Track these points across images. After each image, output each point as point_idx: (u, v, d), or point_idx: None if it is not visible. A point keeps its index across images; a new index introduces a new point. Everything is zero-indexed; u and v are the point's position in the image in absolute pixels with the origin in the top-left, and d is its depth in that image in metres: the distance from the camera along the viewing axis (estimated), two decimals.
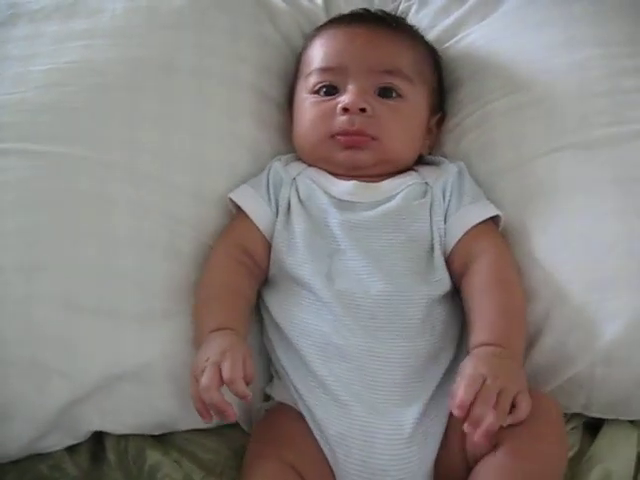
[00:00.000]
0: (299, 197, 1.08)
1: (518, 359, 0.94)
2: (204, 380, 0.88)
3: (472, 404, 0.83)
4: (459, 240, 1.03)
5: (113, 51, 1.14)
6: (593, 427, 1.04)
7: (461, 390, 0.84)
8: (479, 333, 0.94)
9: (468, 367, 0.88)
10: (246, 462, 0.95)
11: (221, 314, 0.98)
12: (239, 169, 1.14)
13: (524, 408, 0.86)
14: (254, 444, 0.98)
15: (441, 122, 1.21)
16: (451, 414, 0.89)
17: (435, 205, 1.05)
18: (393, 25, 1.17)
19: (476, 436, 0.83)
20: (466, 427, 0.83)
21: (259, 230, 1.07)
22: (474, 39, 1.25)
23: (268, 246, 1.07)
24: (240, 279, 1.04)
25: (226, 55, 1.20)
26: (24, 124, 1.06)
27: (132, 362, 0.98)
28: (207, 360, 0.90)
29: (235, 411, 0.89)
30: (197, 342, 0.97)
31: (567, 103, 1.10)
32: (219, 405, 0.87)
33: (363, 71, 1.10)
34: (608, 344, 0.95)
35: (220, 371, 0.88)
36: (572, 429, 1.04)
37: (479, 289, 0.99)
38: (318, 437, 0.95)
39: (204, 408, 0.89)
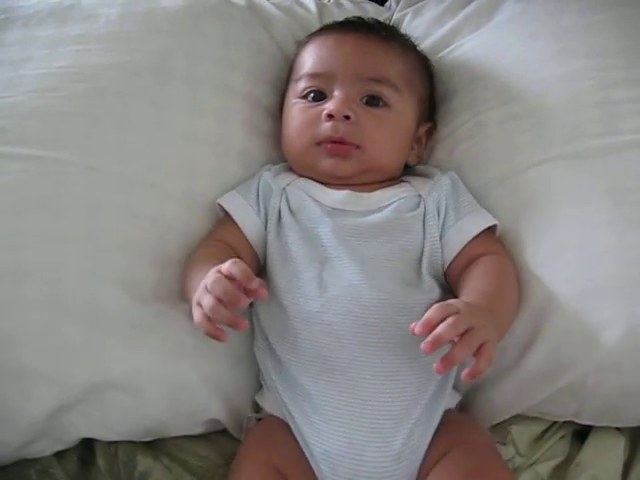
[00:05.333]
0: (289, 207, 1.08)
1: (498, 326, 0.92)
2: (212, 283, 0.86)
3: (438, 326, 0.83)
4: (459, 252, 1.04)
5: (106, 56, 1.14)
6: (581, 435, 1.05)
7: (430, 310, 0.84)
8: (467, 296, 0.94)
9: (448, 300, 0.88)
10: (234, 465, 0.95)
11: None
12: (230, 176, 1.14)
13: (486, 359, 0.83)
14: (244, 448, 0.97)
15: (431, 132, 1.21)
16: (437, 428, 0.93)
17: (428, 218, 1.05)
18: (383, 34, 1.18)
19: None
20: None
21: (246, 238, 1.08)
22: (467, 49, 1.25)
23: (253, 253, 1.08)
24: (226, 254, 1.01)
25: (219, 62, 1.20)
26: (15, 128, 1.06)
27: (120, 369, 0.97)
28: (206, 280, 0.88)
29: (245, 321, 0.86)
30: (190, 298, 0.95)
31: (559, 114, 1.11)
32: (233, 296, 0.85)
33: (350, 78, 1.10)
34: (600, 353, 0.95)
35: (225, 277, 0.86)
36: (561, 437, 1.04)
37: (475, 273, 0.99)
38: (305, 452, 0.94)
39: (214, 328, 0.86)
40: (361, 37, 1.15)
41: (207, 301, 0.86)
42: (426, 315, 0.84)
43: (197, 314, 0.88)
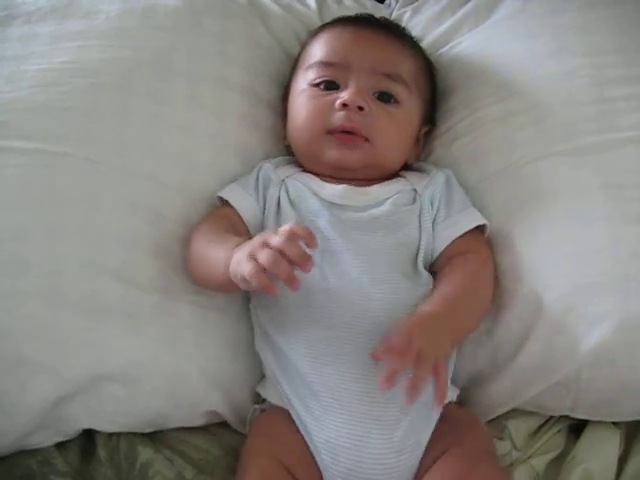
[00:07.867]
0: (289, 198, 1.09)
1: (456, 328, 0.95)
2: (278, 240, 0.84)
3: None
4: (446, 247, 1.05)
5: (106, 52, 1.15)
6: (577, 429, 1.06)
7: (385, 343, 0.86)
8: (429, 302, 0.95)
9: (403, 326, 0.88)
10: (241, 458, 0.96)
11: (232, 240, 0.96)
12: (228, 170, 1.15)
13: (444, 378, 0.86)
14: (250, 441, 0.98)
15: (429, 133, 1.22)
16: (438, 423, 0.94)
17: (424, 212, 1.07)
18: (397, 32, 1.19)
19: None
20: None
21: (243, 222, 1.07)
22: (466, 47, 1.26)
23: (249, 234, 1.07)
24: (230, 229, 1.03)
25: (218, 57, 1.21)
26: (17, 123, 1.06)
27: (120, 360, 0.98)
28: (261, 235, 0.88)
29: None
30: (224, 265, 0.92)
31: (556, 111, 1.11)
32: (303, 254, 0.84)
33: (365, 71, 1.11)
34: (594, 348, 0.96)
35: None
36: (557, 432, 1.05)
37: (447, 271, 1.01)
38: (308, 442, 0.95)
39: (269, 281, 0.84)
40: (377, 32, 1.16)
41: (266, 254, 0.84)
42: (382, 346, 0.86)
43: (250, 266, 0.85)
